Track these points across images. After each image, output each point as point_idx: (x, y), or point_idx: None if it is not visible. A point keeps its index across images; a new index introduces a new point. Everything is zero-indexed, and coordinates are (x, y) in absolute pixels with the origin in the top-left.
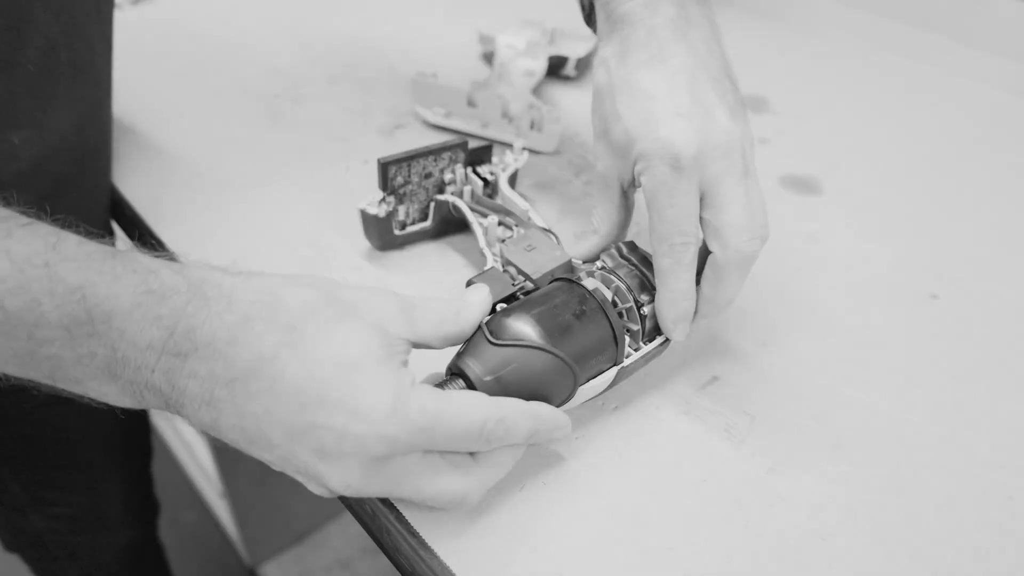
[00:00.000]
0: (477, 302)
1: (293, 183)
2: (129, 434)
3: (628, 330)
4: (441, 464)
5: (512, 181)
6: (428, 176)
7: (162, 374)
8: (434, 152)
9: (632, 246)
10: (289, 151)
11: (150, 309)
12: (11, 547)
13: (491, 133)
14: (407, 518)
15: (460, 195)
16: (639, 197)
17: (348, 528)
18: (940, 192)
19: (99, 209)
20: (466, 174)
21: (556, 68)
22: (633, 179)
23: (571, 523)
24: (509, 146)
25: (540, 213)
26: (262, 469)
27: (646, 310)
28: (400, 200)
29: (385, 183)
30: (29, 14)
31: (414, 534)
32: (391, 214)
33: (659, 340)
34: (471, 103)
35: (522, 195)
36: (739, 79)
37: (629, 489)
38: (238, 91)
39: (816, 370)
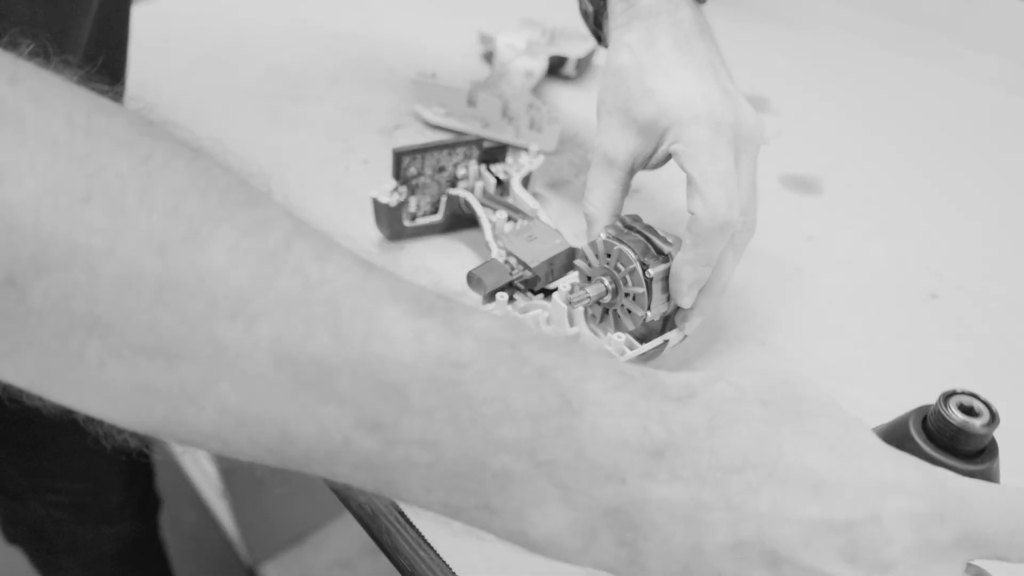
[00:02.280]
0: None
1: (293, 183)
2: None
3: (633, 295)
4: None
5: (525, 183)
6: (441, 170)
7: (635, 482)
8: (448, 147)
9: (635, 218)
10: (289, 151)
11: (622, 395)
12: (12, 538)
13: (491, 133)
14: (408, 516)
15: (472, 191)
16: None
17: (348, 528)
18: (940, 192)
19: None
20: (479, 171)
21: (556, 68)
22: (652, 156)
23: None
24: (525, 148)
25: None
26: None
27: (651, 272)
28: (412, 191)
29: (399, 172)
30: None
31: (414, 534)
32: (402, 204)
33: (656, 342)
34: (471, 103)
35: (535, 194)
36: (739, 79)
37: None
38: (238, 91)
39: (816, 370)
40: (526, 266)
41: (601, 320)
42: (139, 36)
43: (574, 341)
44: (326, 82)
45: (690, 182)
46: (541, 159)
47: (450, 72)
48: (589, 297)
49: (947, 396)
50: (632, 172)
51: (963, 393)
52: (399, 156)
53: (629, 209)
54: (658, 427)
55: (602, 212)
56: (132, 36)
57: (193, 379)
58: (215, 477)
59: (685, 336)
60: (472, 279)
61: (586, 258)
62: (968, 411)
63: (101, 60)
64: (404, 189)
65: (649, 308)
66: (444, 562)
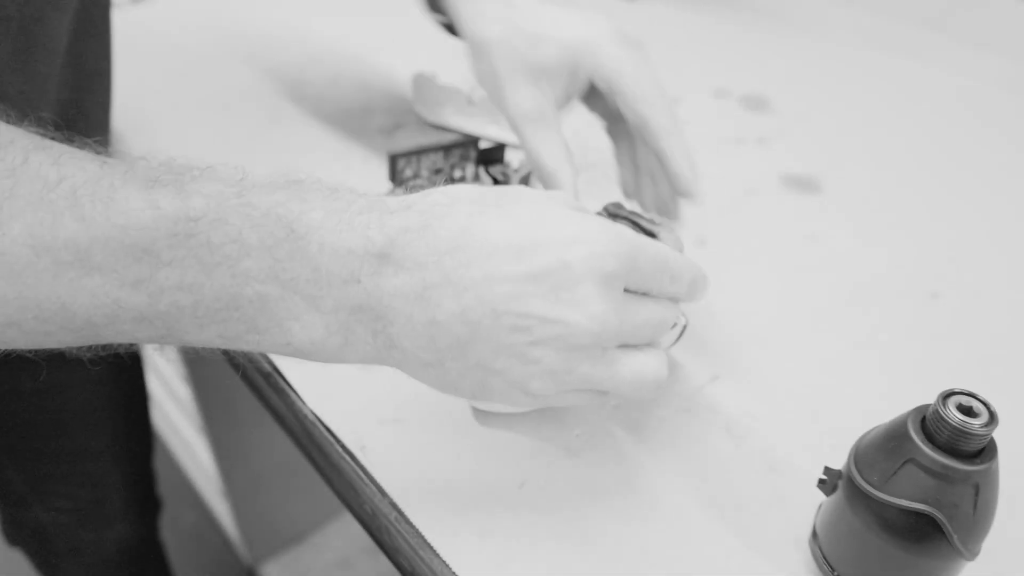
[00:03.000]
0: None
1: None
2: (128, 424)
3: None
4: (649, 307)
5: (525, 183)
6: (438, 171)
7: (369, 279)
8: (445, 148)
9: (618, 205)
10: (289, 151)
11: (342, 217)
12: (14, 541)
13: (490, 133)
14: (408, 516)
15: None
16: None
17: (348, 528)
18: (940, 192)
19: None
20: (477, 172)
21: None
22: (569, 93)
23: (570, 522)
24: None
25: None
26: (262, 468)
27: None
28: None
29: (394, 175)
30: None
31: (414, 533)
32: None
33: None
34: (471, 103)
35: None
36: (739, 79)
37: (630, 488)
38: (238, 91)
39: (816, 370)
40: None
41: None
42: (139, 37)
43: (296, 183)
44: (326, 82)
45: (624, 92)
46: None
47: (450, 72)
48: None
49: (946, 396)
50: (560, 118)
51: (962, 393)
52: (394, 159)
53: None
54: (377, 234)
55: (561, 162)
56: (131, 38)
57: None
58: (215, 477)
59: (678, 339)
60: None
61: None
62: (967, 411)
63: (83, 58)
64: (400, 192)
65: None
66: (444, 561)
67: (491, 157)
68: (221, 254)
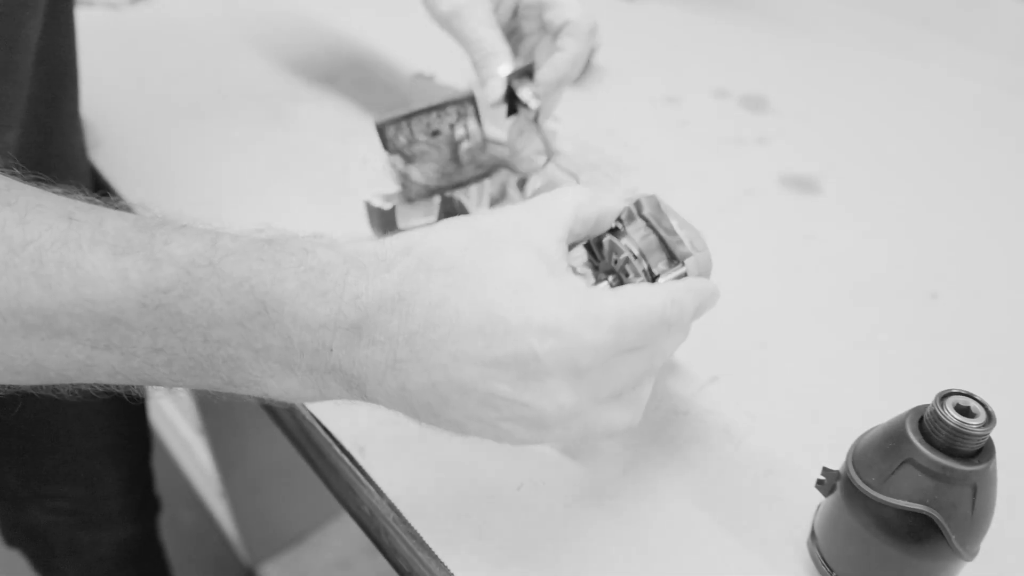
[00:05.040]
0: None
1: (293, 183)
2: (125, 424)
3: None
4: (635, 365)
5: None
6: (436, 133)
7: (341, 350)
8: (437, 108)
9: (653, 202)
10: (289, 151)
11: (315, 287)
12: (12, 542)
13: (489, 133)
14: (406, 517)
15: (468, 196)
16: None
17: (347, 528)
18: (940, 192)
19: None
20: (480, 129)
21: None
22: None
23: (569, 523)
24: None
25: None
26: (261, 469)
27: (662, 281)
28: (409, 160)
29: (386, 143)
30: None
31: (412, 535)
32: (394, 210)
33: None
34: None
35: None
36: (739, 79)
37: (628, 490)
38: (237, 91)
39: (816, 370)
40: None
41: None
42: (138, 38)
43: (269, 245)
44: (326, 82)
45: (552, 5)
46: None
47: (448, 72)
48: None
49: (944, 396)
50: (489, 10)
51: (960, 393)
52: (381, 128)
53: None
54: (350, 308)
55: (495, 42)
56: (130, 38)
57: None
58: (214, 477)
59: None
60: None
61: (593, 250)
62: (965, 412)
63: (53, 58)
64: (399, 160)
65: None
66: (442, 562)
67: (525, 72)
68: (192, 324)
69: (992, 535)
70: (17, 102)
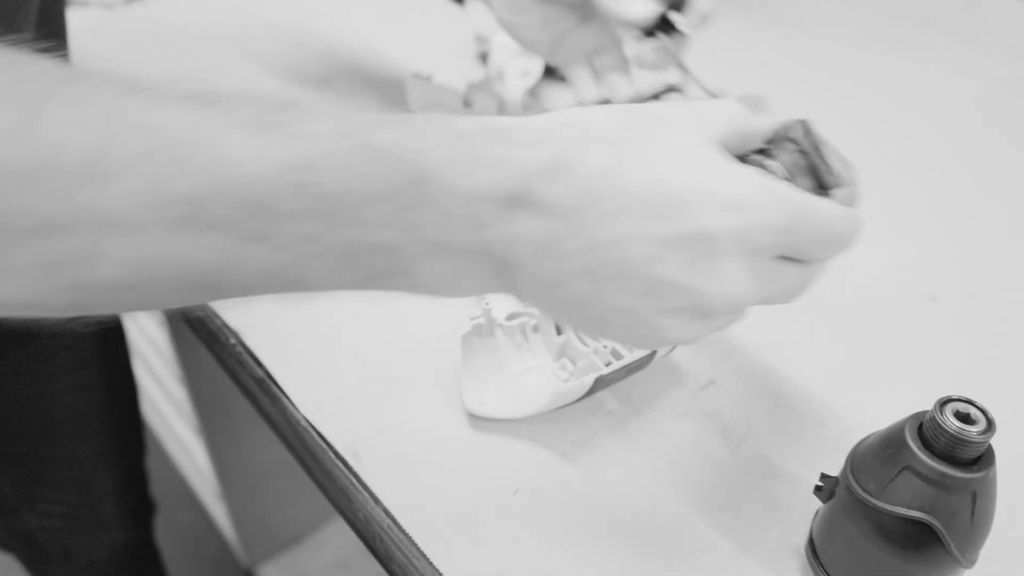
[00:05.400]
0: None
1: None
2: (118, 426)
3: None
4: (795, 276)
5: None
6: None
7: (495, 226)
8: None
9: (805, 126)
10: None
11: (466, 156)
12: (6, 547)
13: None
14: (401, 523)
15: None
16: None
17: (346, 529)
18: (940, 193)
19: None
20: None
21: (552, 69)
22: None
23: (566, 528)
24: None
25: None
26: (259, 469)
27: None
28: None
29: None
30: None
31: (407, 541)
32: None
33: (644, 352)
34: (467, 103)
35: None
36: (739, 79)
37: (625, 494)
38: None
39: (814, 374)
40: None
41: None
42: (137, 36)
43: (411, 117)
44: (323, 82)
45: None
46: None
47: (446, 73)
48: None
49: (943, 403)
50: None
51: (959, 400)
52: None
53: None
54: (506, 176)
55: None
56: (132, 37)
57: (84, 243)
58: (212, 478)
59: (673, 348)
60: None
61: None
62: (964, 418)
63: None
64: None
65: None
66: (437, 569)
67: (673, 4)
68: (339, 203)
69: (991, 542)
70: None
